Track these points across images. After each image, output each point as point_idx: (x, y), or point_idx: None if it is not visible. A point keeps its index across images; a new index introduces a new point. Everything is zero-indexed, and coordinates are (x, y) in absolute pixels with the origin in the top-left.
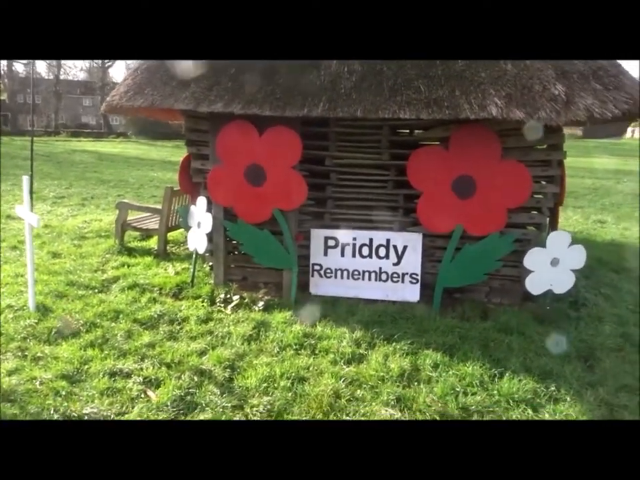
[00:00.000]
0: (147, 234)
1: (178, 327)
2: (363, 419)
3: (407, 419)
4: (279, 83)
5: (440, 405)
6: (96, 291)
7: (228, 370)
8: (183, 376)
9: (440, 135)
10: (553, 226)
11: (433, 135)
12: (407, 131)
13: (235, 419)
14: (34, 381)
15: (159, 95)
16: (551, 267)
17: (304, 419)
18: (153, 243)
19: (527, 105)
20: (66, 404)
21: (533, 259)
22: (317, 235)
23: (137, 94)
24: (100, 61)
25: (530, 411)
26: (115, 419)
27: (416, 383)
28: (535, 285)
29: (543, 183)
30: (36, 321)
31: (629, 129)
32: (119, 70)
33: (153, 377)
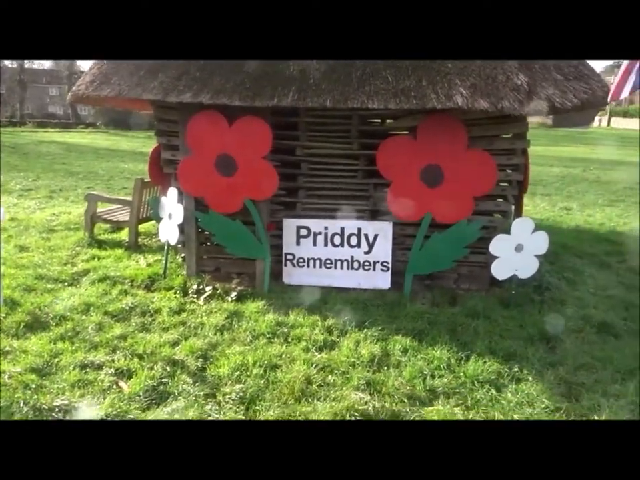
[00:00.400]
0: (117, 226)
1: (150, 319)
2: (333, 403)
3: (377, 402)
4: (248, 73)
5: (408, 387)
6: (66, 284)
7: (200, 359)
8: (155, 366)
9: (408, 125)
10: (518, 213)
11: (402, 125)
12: (377, 120)
13: (207, 407)
14: (2, 374)
15: (126, 85)
16: (516, 253)
17: (277, 404)
18: (123, 235)
19: (491, 94)
20: (36, 397)
21: (498, 245)
22: (289, 225)
23: (104, 83)
24: None
25: (494, 391)
26: (116, 419)
27: (385, 368)
28: (500, 271)
29: (508, 171)
30: (4, 315)
31: (596, 118)
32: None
33: (124, 368)
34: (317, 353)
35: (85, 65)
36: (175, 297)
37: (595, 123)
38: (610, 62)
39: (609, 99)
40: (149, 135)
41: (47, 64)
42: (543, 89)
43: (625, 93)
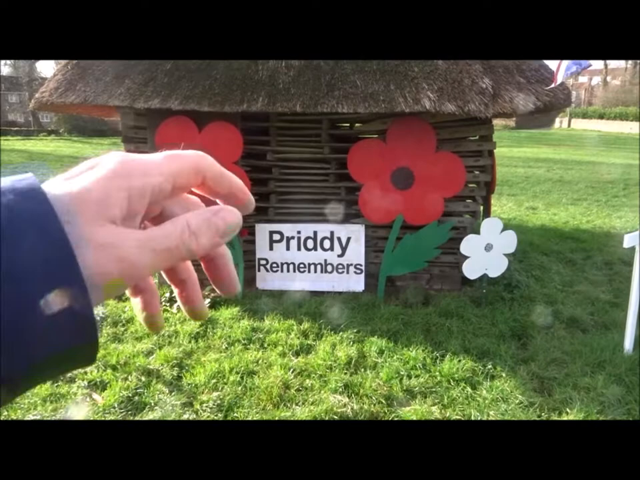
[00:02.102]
0: None
1: (122, 329)
2: (312, 407)
3: (355, 404)
4: (216, 79)
5: (385, 388)
6: None
7: (176, 368)
8: (129, 377)
9: (378, 128)
10: (487, 213)
11: (371, 128)
12: (347, 124)
13: (185, 416)
14: None
15: (92, 91)
16: (485, 252)
17: (255, 410)
18: None
19: (457, 98)
20: (6, 413)
21: (469, 245)
22: (262, 230)
23: (68, 90)
24: None
25: (469, 389)
26: (116, 419)
27: (362, 370)
28: (471, 270)
29: (476, 172)
30: None
31: (557, 120)
32: (47, 64)
33: (98, 380)
34: (293, 358)
35: (45, 70)
36: None
37: (557, 124)
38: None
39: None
40: (114, 141)
41: (4, 70)
42: (507, 92)
43: (561, 78)
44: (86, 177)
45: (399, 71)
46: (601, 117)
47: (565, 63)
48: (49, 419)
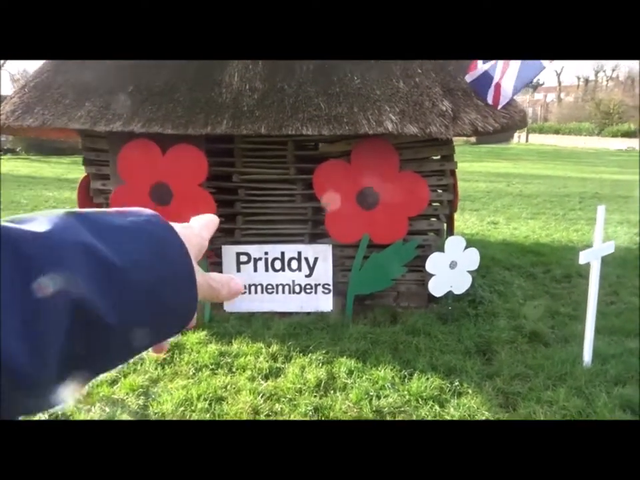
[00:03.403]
0: None
1: None
2: None
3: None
4: (180, 101)
5: (355, 410)
6: None
7: (142, 397)
8: (93, 408)
9: (342, 149)
10: (450, 231)
11: (336, 149)
12: (312, 143)
13: None
14: None
15: (51, 114)
16: (450, 270)
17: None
18: None
19: (419, 120)
20: None
21: (434, 263)
22: (229, 252)
23: (26, 113)
24: None
25: (437, 407)
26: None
27: (332, 391)
28: (436, 287)
29: (439, 191)
30: None
31: (516, 135)
32: (3, 83)
33: (59, 412)
34: (262, 382)
35: (4, 90)
36: None
37: (515, 139)
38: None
39: (496, 105)
40: (73, 160)
41: None
42: (466, 114)
43: (504, 101)
44: (190, 229)
45: (362, 94)
46: (557, 132)
47: (507, 84)
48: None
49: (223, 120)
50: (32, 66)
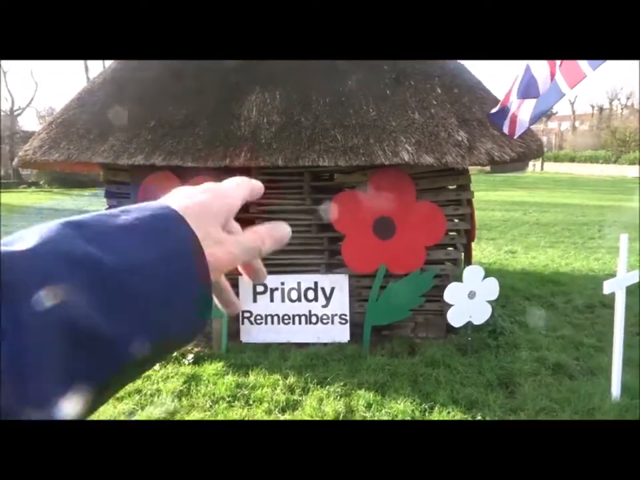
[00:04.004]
0: None
1: None
2: None
3: None
4: (200, 135)
5: None
6: None
7: None
8: None
9: (358, 180)
10: (468, 260)
11: (352, 180)
12: (327, 175)
13: None
14: None
15: (76, 149)
16: (469, 300)
17: None
18: None
19: (435, 150)
20: None
21: (452, 293)
22: (245, 282)
23: (52, 148)
24: (8, 109)
25: None
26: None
27: None
28: (455, 318)
29: (456, 220)
30: None
31: (531, 164)
32: (29, 118)
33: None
34: (279, 415)
35: (27, 125)
36: None
37: (530, 167)
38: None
39: (512, 134)
40: (94, 192)
41: None
42: (482, 143)
43: (522, 129)
44: (205, 196)
45: (378, 125)
46: (572, 160)
47: (523, 115)
48: None
49: (241, 152)
50: (58, 103)
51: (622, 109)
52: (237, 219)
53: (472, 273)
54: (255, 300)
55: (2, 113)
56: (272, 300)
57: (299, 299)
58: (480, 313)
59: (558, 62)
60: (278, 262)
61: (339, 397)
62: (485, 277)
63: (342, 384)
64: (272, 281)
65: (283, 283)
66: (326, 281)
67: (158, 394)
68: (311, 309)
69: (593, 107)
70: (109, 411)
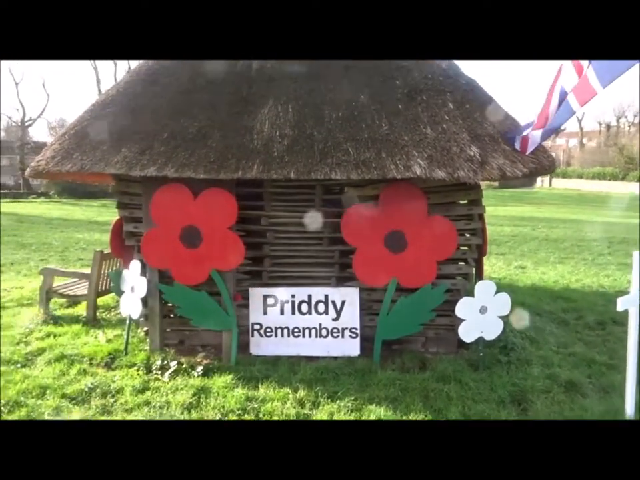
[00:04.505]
0: (74, 300)
1: (112, 400)
2: None
3: None
4: (212, 147)
5: None
6: (19, 365)
7: None
8: None
9: (369, 194)
10: (479, 275)
11: (363, 194)
12: (339, 188)
13: None
14: None
15: (89, 160)
16: (480, 315)
17: None
18: (81, 309)
19: (447, 165)
20: None
21: (463, 308)
22: (256, 294)
23: (65, 159)
24: (19, 119)
25: None
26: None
27: None
28: (466, 333)
29: (467, 235)
30: None
31: (539, 180)
32: (39, 129)
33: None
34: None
35: (37, 135)
36: (138, 374)
37: (538, 183)
38: None
39: (524, 151)
40: (103, 203)
41: None
42: (494, 159)
43: (533, 145)
44: None
45: (390, 140)
46: (580, 176)
47: (535, 131)
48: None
49: (253, 165)
50: (69, 115)
51: (629, 126)
52: (249, 231)
53: (484, 288)
54: (265, 312)
55: (13, 124)
56: (282, 312)
57: (309, 312)
58: (492, 329)
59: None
60: (289, 274)
61: (349, 412)
62: (496, 292)
63: (352, 398)
64: (282, 293)
65: (293, 296)
66: (336, 294)
67: (167, 406)
68: (321, 322)
69: (600, 124)
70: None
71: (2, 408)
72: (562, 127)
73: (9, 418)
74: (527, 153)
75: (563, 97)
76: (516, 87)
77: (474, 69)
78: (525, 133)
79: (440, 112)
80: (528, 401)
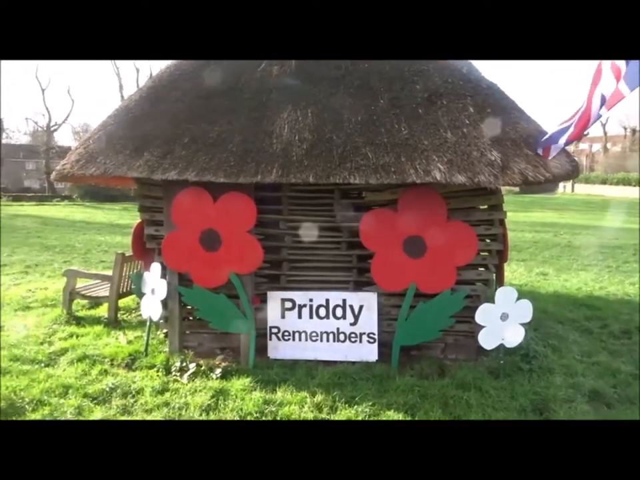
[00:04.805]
0: (96, 302)
1: (132, 400)
2: None
3: None
4: (232, 151)
5: None
6: (42, 365)
7: None
8: None
9: (388, 198)
10: (500, 281)
11: (382, 198)
12: (357, 192)
13: None
14: None
15: (112, 164)
16: (501, 322)
17: None
18: (102, 310)
19: (467, 169)
20: None
21: (484, 314)
22: (274, 297)
23: (89, 162)
24: (45, 124)
25: None
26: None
27: None
28: (487, 340)
29: (488, 241)
30: None
31: (561, 185)
32: (64, 133)
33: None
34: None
35: (62, 140)
36: (158, 375)
37: (560, 188)
38: None
39: (546, 155)
40: (124, 207)
41: (24, 139)
42: (516, 163)
43: (556, 150)
44: None
45: (409, 144)
46: (604, 182)
47: (558, 142)
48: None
49: (272, 169)
50: (93, 120)
51: None
52: (268, 234)
53: (505, 295)
54: (283, 316)
55: (39, 129)
56: (300, 316)
57: (326, 316)
58: (513, 336)
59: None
60: (307, 278)
61: (367, 417)
62: (518, 298)
63: (370, 404)
64: (300, 297)
65: (311, 300)
66: (355, 298)
67: (186, 407)
68: (339, 327)
69: (625, 129)
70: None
71: (26, 406)
72: (585, 132)
73: (33, 416)
74: (550, 158)
75: (603, 103)
76: (538, 90)
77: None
78: (561, 142)
79: (460, 116)
80: (550, 410)
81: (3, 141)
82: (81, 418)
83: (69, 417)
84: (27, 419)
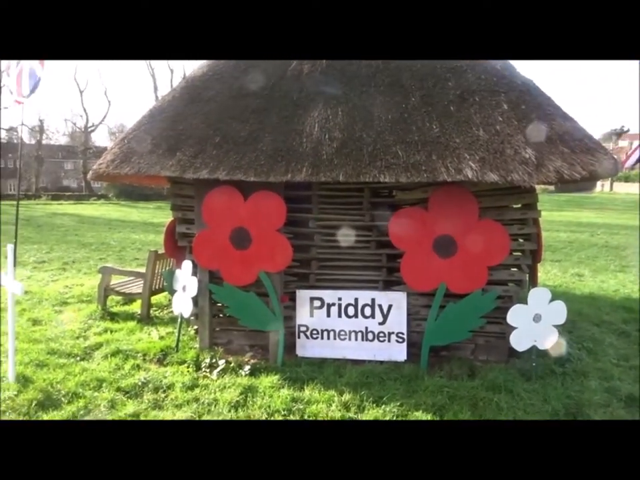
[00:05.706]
0: (130, 298)
1: (163, 395)
2: None
3: None
4: (263, 150)
5: None
6: (78, 358)
7: None
8: None
9: (418, 197)
10: (533, 282)
11: (412, 197)
12: (387, 191)
13: None
14: None
15: (146, 163)
16: (534, 323)
17: None
18: (136, 307)
19: (500, 168)
20: None
21: (516, 315)
22: (303, 296)
23: (124, 162)
24: (82, 125)
25: None
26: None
27: None
28: (519, 341)
29: (521, 240)
30: (15, 392)
31: (599, 184)
32: (101, 134)
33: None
34: None
35: (99, 140)
36: (188, 371)
37: (598, 187)
38: (608, 129)
39: (621, 167)
40: (158, 205)
41: (62, 139)
42: (551, 161)
43: (630, 164)
44: None
45: (440, 142)
46: None
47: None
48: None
49: (302, 168)
50: (129, 120)
51: None
52: (297, 233)
53: (538, 295)
54: (311, 314)
55: (77, 130)
56: (328, 315)
57: (355, 315)
58: (545, 338)
59: None
60: (336, 277)
61: (395, 418)
62: (551, 300)
63: (398, 404)
64: (329, 296)
65: (340, 299)
66: (383, 298)
67: (215, 403)
68: (367, 326)
69: None
70: (167, 418)
71: (62, 399)
72: (625, 128)
73: (68, 408)
74: (626, 166)
75: None
76: (578, 87)
77: (534, 70)
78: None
79: (493, 113)
80: (584, 415)
81: (43, 142)
82: (114, 411)
83: (103, 410)
84: (63, 411)
